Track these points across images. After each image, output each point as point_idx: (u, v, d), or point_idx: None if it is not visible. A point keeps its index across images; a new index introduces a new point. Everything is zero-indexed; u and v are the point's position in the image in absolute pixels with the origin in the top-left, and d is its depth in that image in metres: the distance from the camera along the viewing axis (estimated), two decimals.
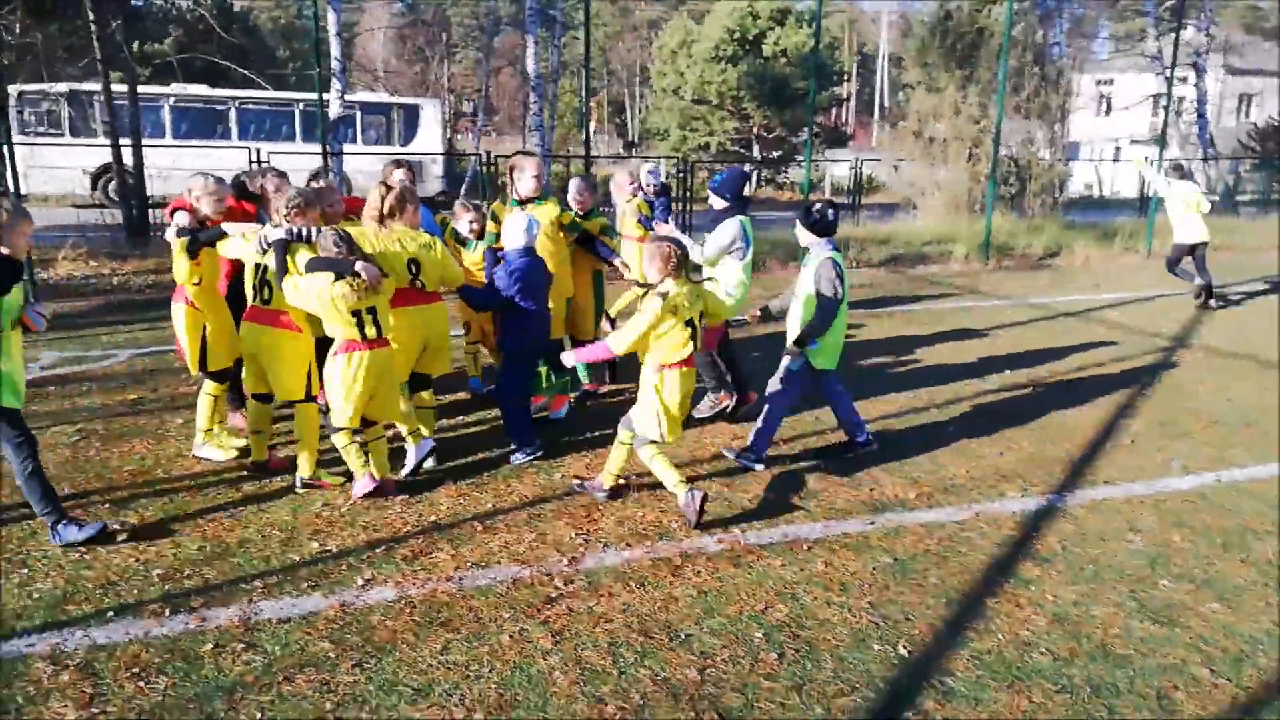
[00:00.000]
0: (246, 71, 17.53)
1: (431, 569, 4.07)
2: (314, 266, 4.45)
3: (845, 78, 47.96)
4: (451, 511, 4.70)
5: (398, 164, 6.41)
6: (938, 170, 19.49)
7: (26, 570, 4.01)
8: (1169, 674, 3.39)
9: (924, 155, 19.72)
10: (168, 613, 3.67)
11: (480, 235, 6.03)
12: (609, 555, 4.25)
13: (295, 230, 4.62)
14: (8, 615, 3.64)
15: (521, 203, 6.05)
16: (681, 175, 19.73)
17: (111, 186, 21.00)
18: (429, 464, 5.10)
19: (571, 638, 3.54)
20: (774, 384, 5.38)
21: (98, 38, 14.12)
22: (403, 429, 5.02)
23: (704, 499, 4.45)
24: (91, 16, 14.07)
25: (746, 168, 34.90)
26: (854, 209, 21.04)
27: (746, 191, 6.16)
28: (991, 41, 19.64)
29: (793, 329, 5.33)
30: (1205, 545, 4.47)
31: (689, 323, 4.48)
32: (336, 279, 4.39)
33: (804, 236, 5.30)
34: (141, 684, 3.21)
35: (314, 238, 4.62)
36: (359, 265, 4.45)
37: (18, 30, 18.12)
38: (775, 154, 35.34)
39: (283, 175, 5.66)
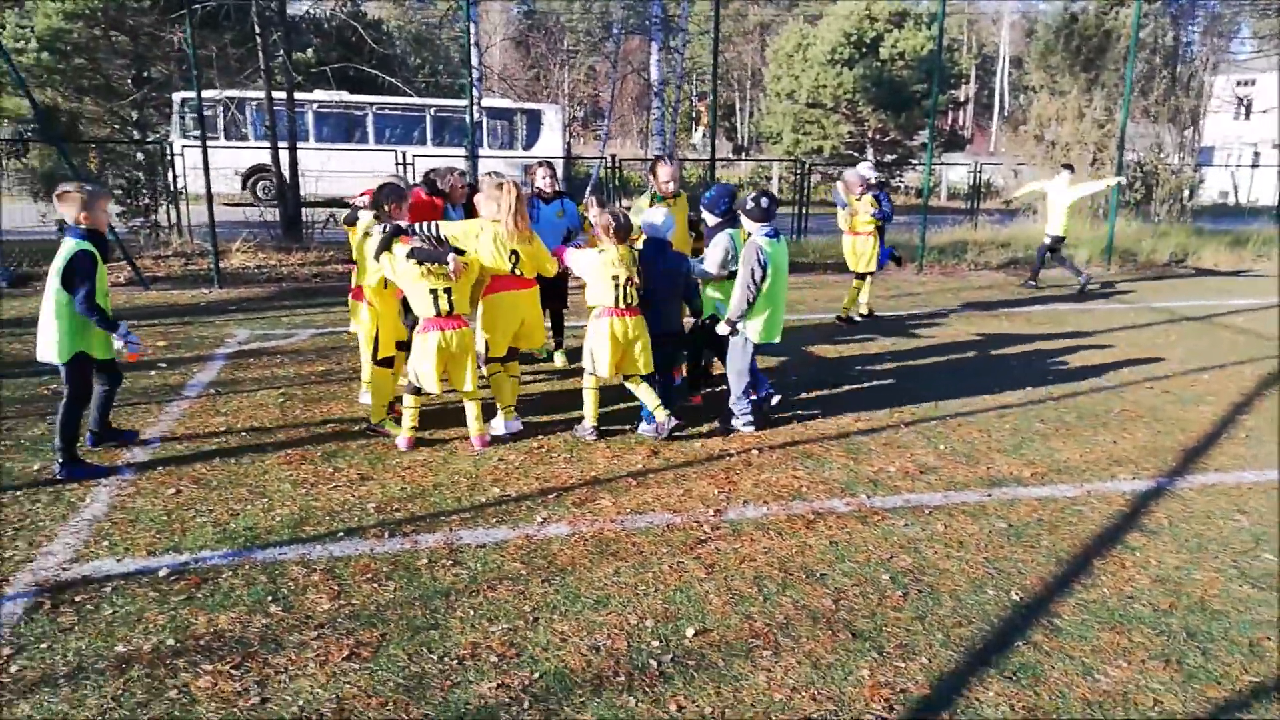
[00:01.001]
0: (394, 80, 18.70)
1: (597, 513, 4.74)
2: (414, 255, 5.34)
3: (964, 80, 47.25)
4: (608, 469, 5.37)
5: (541, 164, 7.46)
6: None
7: (266, 499, 4.84)
8: (1262, 628, 3.77)
9: (1045, 159, 19.61)
10: (386, 535, 4.43)
11: None
12: (748, 509, 4.83)
13: (395, 225, 5.49)
14: (260, 531, 4.46)
15: (661, 198, 6.75)
16: (797, 178, 20.09)
17: (260, 186, 22.77)
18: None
19: (721, 570, 4.15)
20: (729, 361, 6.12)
21: (261, 49, 15.42)
22: (498, 405, 5.95)
23: (596, 433, 5.84)
24: (256, 29, 15.38)
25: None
26: (972, 213, 21.01)
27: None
28: (1119, 44, 19.43)
29: (734, 307, 5.89)
30: None
31: (626, 281, 5.57)
32: (423, 263, 5.33)
33: (746, 224, 5.96)
34: (375, 585, 3.96)
35: (409, 231, 5.52)
36: (449, 257, 5.35)
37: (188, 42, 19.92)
38: (890, 157, 35.26)
39: (464, 174, 6.47)
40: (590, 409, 5.90)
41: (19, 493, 4.87)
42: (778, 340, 6.08)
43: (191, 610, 3.73)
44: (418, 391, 5.58)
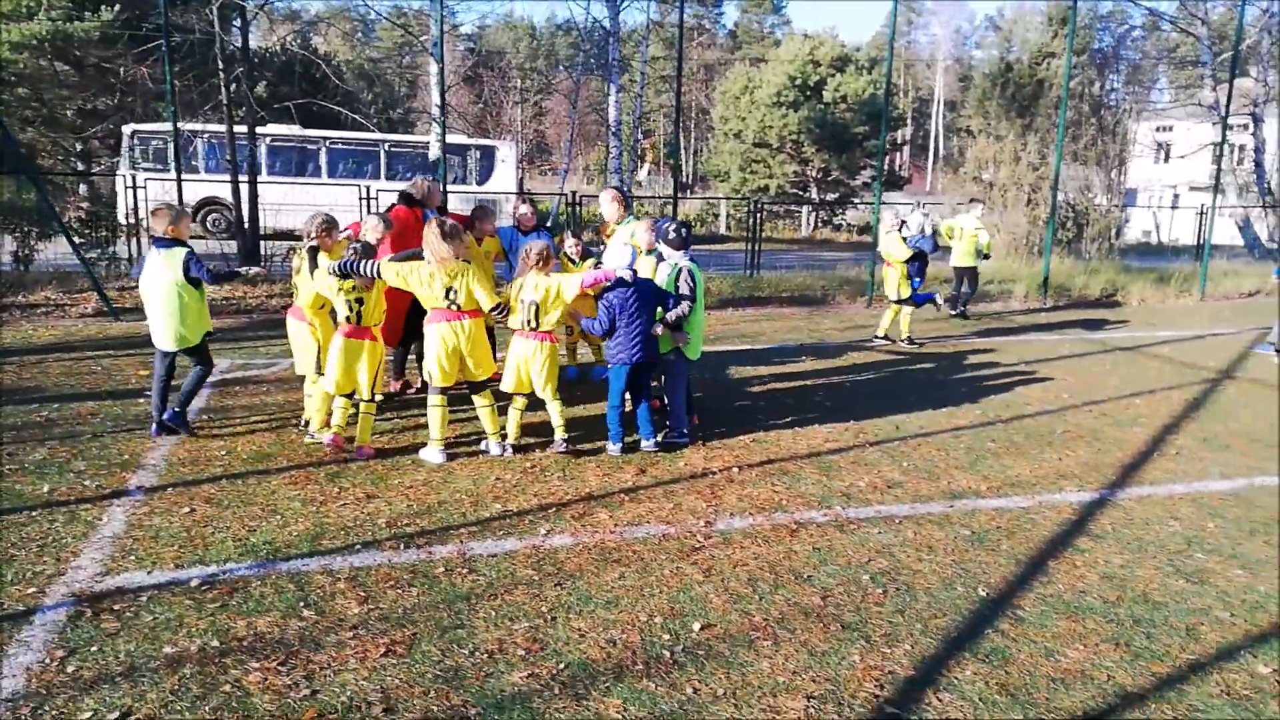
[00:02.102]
0: (355, 114, 18.95)
1: (596, 525, 5.09)
2: (334, 270, 5.98)
3: (902, 122, 48.95)
4: (600, 486, 5.72)
5: (524, 199, 8.23)
6: (997, 213, 20.36)
7: (279, 516, 5.10)
8: (1196, 615, 4.27)
9: (985, 199, 20.58)
10: (401, 547, 4.73)
11: (583, 256, 7.85)
12: (736, 520, 5.23)
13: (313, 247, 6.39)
14: (279, 545, 4.72)
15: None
16: (748, 216, 20.76)
17: (211, 219, 22.71)
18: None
19: (717, 574, 4.52)
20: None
21: (223, 83, 15.58)
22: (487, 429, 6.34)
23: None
24: (220, 64, 15.55)
25: (806, 209, 36.02)
26: None
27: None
28: (1051, 92, 20.53)
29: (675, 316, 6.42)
30: (1235, 530, 5.34)
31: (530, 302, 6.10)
32: (342, 275, 5.97)
33: (666, 251, 6.53)
34: (399, 591, 4.25)
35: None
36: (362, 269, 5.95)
37: (147, 78, 20.00)
38: (832, 196, 36.37)
39: (435, 180, 7.83)
40: (511, 426, 6.39)
41: (34, 513, 5.05)
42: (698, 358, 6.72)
43: (229, 615, 3.99)
44: (350, 395, 6.26)
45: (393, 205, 7.54)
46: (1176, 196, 38.21)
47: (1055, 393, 8.70)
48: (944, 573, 4.64)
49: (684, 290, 6.35)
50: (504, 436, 6.34)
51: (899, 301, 10.92)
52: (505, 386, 6.27)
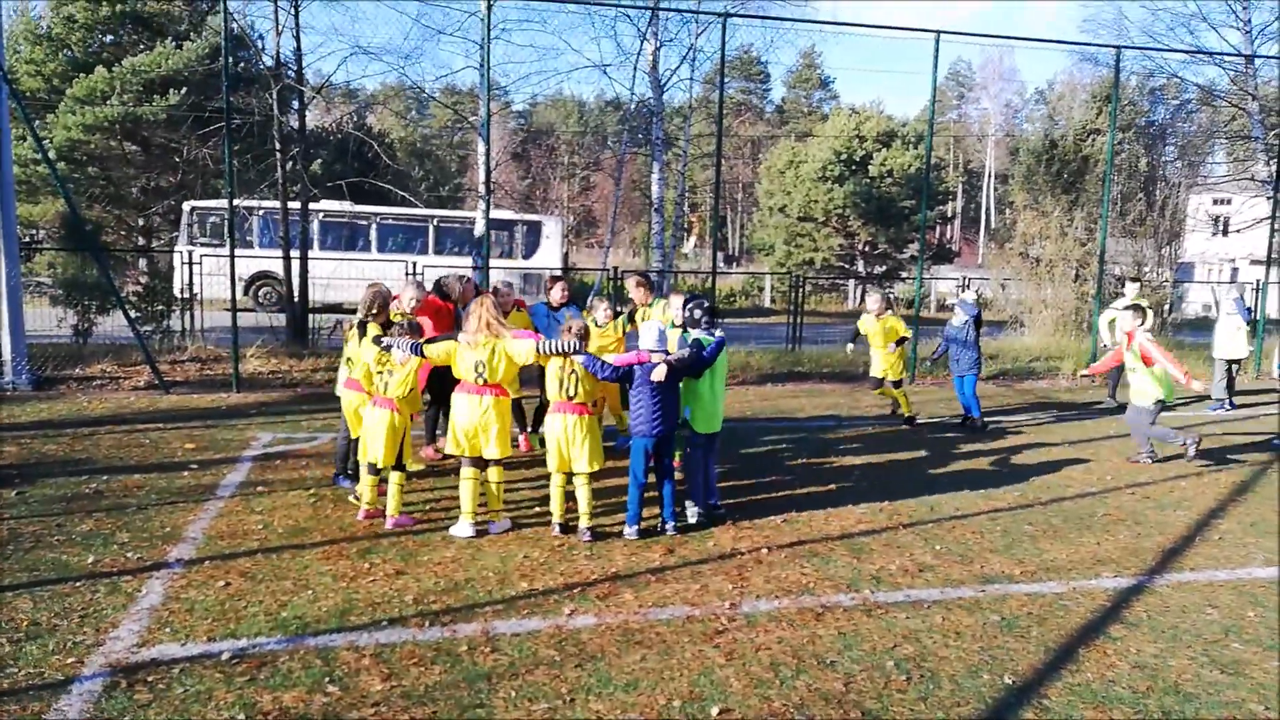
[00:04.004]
0: (404, 193, 19.59)
1: (620, 606, 5.11)
2: (376, 341, 6.41)
3: (951, 196, 49.05)
4: (627, 565, 5.75)
5: (557, 279, 8.61)
6: (1044, 289, 20.20)
7: (310, 591, 5.21)
8: (1229, 708, 4.15)
9: (1031, 275, 20.46)
10: (426, 625, 4.80)
11: (614, 317, 8.19)
12: (761, 603, 5.21)
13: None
14: (309, 620, 4.82)
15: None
16: (791, 290, 20.86)
17: (262, 292, 23.42)
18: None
19: (740, 658, 4.51)
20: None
21: (280, 162, 16.23)
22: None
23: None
24: (276, 145, 16.21)
25: (852, 282, 36.09)
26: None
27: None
28: (1096, 168, 20.51)
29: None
30: (1275, 620, 5.17)
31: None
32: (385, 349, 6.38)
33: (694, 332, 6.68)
34: (422, 669, 4.31)
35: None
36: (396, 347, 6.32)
37: (208, 157, 20.93)
38: (880, 269, 36.42)
39: (471, 280, 8.03)
40: (554, 506, 6.40)
41: (79, 584, 5.22)
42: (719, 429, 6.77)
43: (256, 690, 4.07)
44: (374, 470, 6.51)
45: (428, 292, 7.97)
46: (1235, 270, 37.57)
47: (1098, 474, 8.56)
48: (970, 659, 4.57)
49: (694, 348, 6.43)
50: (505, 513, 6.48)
51: (894, 384, 10.74)
52: (550, 466, 6.29)
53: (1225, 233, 40.01)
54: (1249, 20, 24.45)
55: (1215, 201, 40.67)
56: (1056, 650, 4.70)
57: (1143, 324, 8.81)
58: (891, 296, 10.90)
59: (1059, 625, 5.03)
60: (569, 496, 6.41)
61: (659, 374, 6.15)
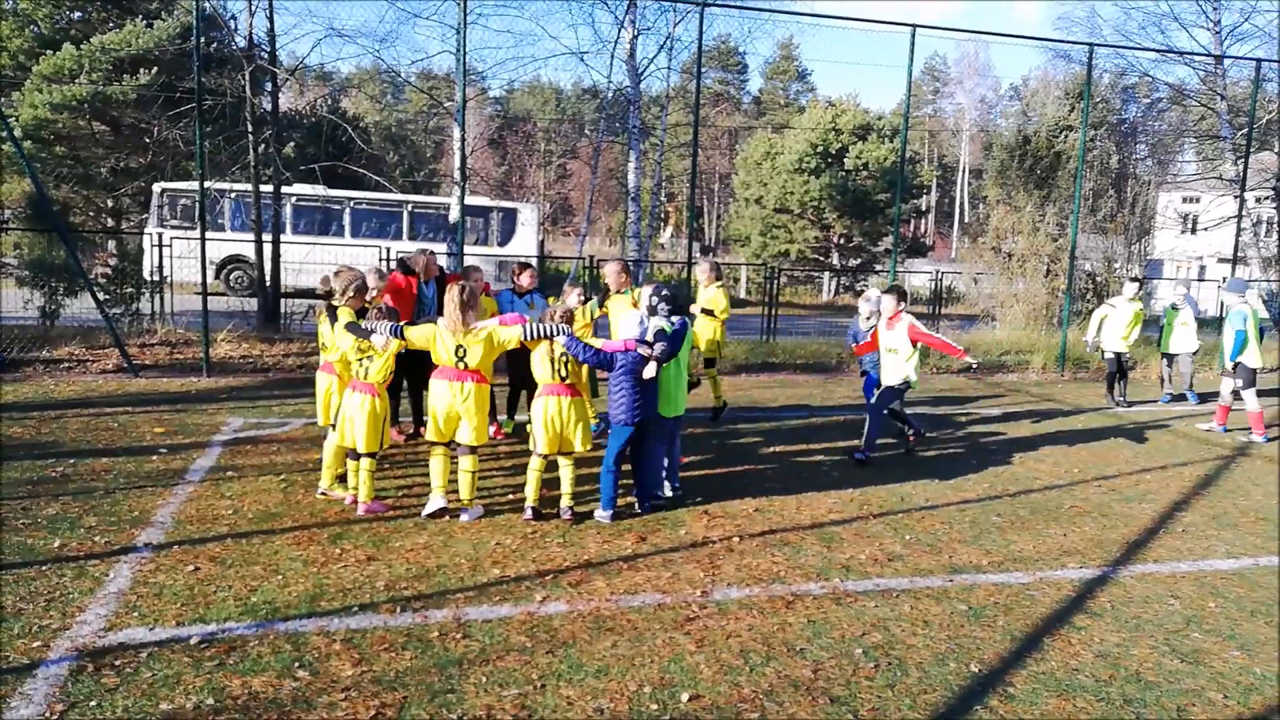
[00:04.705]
0: (379, 178, 19.42)
1: (592, 593, 5.12)
2: (349, 329, 6.35)
3: (925, 190, 49.36)
4: (599, 553, 5.77)
5: (525, 266, 8.84)
6: (1016, 284, 20.39)
7: (280, 576, 5.18)
8: (1189, 696, 4.23)
9: (1003, 270, 20.64)
10: (397, 610, 4.79)
11: (584, 301, 8.03)
12: (732, 591, 5.25)
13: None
14: (279, 605, 4.79)
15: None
16: (769, 281, 20.92)
17: (234, 276, 23.15)
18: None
19: (710, 645, 4.54)
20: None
21: (252, 145, 16.03)
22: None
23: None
24: (249, 127, 16.01)
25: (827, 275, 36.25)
26: (934, 318, 21.93)
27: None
28: (1068, 164, 20.71)
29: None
30: (1236, 611, 5.29)
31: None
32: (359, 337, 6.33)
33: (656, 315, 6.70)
34: (393, 654, 4.30)
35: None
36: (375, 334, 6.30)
37: (179, 138, 20.61)
38: (854, 262, 36.62)
39: (432, 253, 8.29)
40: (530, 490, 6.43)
41: (44, 568, 5.16)
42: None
43: (225, 675, 4.05)
44: (355, 456, 6.44)
45: (392, 270, 8.19)
46: (1203, 268, 38.13)
47: (1066, 466, 8.67)
48: (937, 648, 4.63)
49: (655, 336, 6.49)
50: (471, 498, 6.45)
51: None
52: (539, 449, 6.33)
53: (1194, 231, 40.60)
54: (1219, 21, 24.69)
55: (1184, 200, 41.22)
56: (1022, 639, 4.77)
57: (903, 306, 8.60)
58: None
59: (1025, 615, 5.11)
60: (545, 483, 6.43)
61: (649, 371, 6.25)
